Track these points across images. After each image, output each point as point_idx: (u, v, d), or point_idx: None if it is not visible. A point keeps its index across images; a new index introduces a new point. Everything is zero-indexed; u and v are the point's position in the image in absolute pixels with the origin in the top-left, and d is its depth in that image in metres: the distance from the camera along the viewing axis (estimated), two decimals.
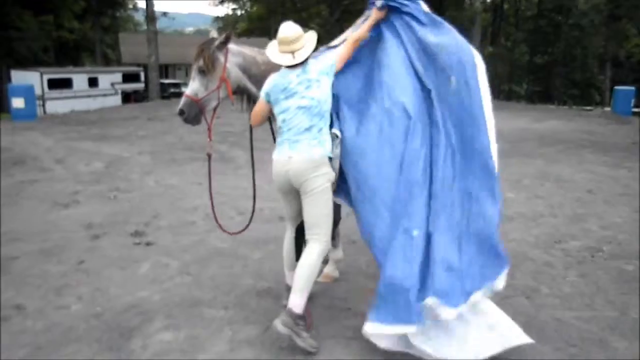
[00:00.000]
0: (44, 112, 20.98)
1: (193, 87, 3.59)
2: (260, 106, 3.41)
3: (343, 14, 28.70)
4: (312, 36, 3.32)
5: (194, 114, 3.61)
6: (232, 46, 3.69)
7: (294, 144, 3.24)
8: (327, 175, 3.28)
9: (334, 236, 4.17)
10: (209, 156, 3.84)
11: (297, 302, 3.20)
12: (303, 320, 3.21)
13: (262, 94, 3.37)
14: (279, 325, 3.15)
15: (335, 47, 3.60)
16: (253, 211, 4.06)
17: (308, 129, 3.23)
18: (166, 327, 3.49)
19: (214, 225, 5.52)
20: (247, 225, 4.07)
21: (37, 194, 6.79)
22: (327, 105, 3.30)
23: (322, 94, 3.26)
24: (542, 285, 4.19)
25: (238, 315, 3.64)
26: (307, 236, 3.36)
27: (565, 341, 3.35)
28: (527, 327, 3.48)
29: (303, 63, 3.27)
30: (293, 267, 3.66)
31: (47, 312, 3.70)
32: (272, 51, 3.33)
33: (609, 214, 6.13)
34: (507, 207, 6.37)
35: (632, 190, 7.22)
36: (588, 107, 24.68)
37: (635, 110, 19.39)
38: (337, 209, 4.05)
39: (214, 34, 3.72)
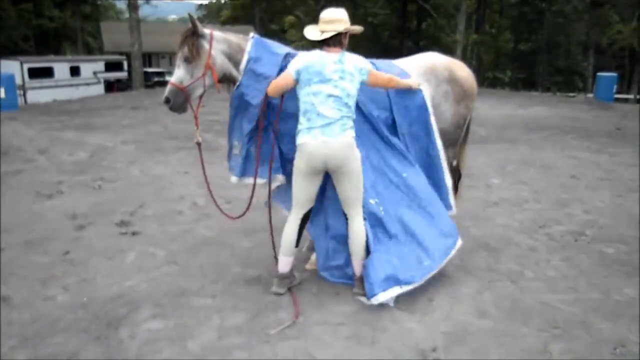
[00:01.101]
0: (25, 102, 20.58)
1: (178, 75, 3.58)
2: (285, 80, 3.44)
3: (328, 2, 28.51)
4: (347, 26, 3.40)
5: (179, 102, 3.60)
6: (216, 33, 3.69)
7: (326, 128, 3.37)
8: (359, 156, 3.52)
9: None
10: (199, 144, 3.84)
11: (361, 268, 3.65)
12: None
13: (291, 70, 3.40)
14: (362, 292, 3.63)
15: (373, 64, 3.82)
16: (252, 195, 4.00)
17: (338, 118, 3.39)
18: (154, 316, 3.49)
19: (201, 214, 5.55)
20: (247, 209, 4.06)
21: (21, 185, 6.70)
22: (354, 99, 3.45)
23: (352, 88, 3.41)
24: (526, 269, 4.26)
25: (226, 303, 3.64)
26: (348, 212, 3.62)
27: (549, 323, 3.41)
28: (512, 311, 3.56)
29: (340, 51, 3.40)
30: (291, 254, 3.70)
31: (33, 303, 3.67)
32: (308, 28, 3.54)
33: (591, 198, 6.23)
34: (492, 193, 6.45)
35: (614, 175, 7.34)
36: (571, 94, 24.96)
37: (618, 96, 19.64)
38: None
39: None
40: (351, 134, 3.46)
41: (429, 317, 3.47)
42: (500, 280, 4.04)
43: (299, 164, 3.49)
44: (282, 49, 3.81)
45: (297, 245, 3.76)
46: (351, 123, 3.48)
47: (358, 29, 3.55)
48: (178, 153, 8.66)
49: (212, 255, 4.49)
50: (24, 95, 21.52)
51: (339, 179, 3.51)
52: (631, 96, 25.70)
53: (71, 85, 24.23)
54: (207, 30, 3.65)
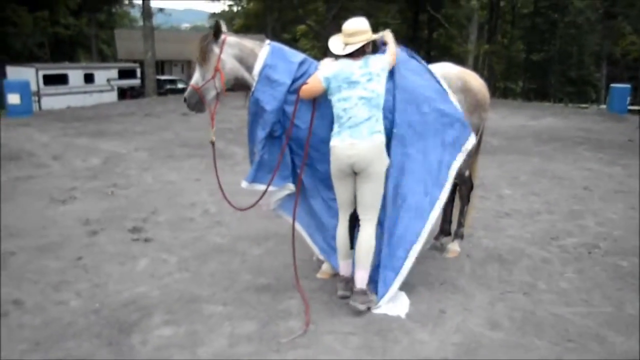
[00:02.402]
0: (39, 108, 20.84)
1: (195, 77, 3.84)
2: (315, 85, 3.57)
3: (340, 10, 28.64)
4: (369, 36, 3.56)
5: (194, 101, 3.83)
6: (229, 38, 3.82)
7: (355, 131, 3.46)
8: (386, 161, 3.59)
9: None
10: (213, 144, 3.95)
11: (364, 277, 3.60)
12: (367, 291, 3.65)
13: (320, 77, 3.53)
14: (358, 305, 3.54)
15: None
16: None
17: (368, 119, 3.47)
18: (165, 322, 3.50)
19: (213, 221, 5.57)
20: (257, 201, 4.00)
21: (34, 190, 6.77)
22: (382, 98, 3.55)
23: (381, 88, 3.52)
24: (539, 281, 4.22)
25: (237, 311, 3.65)
26: (361, 216, 3.64)
27: (562, 336, 3.37)
28: (524, 323, 3.53)
29: (364, 56, 3.51)
30: (348, 256, 3.76)
31: (45, 308, 3.70)
32: (332, 39, 3.65)
33: (604, 210, 6.16)
34: (504, 204, 6.41)
35: (627, 187, 7.27)
36: (584, 105, 24.79)
37: (631, 107, 19.49)
38: None
39: (222, 25, 3.84)
40: (379, 138, 3.51)
41: (441, 329, 3.44)
42: (513, 292, 4.01)
43: (331, 167, 3.60)
44: (297, 57, 3.88)
45: (352, 247, 3.77)
46: (380, 127, 3.53)
47: (378, 36, 3.71)
48: (190, 160, 8.71)
49: (224, 263, 4.50)
50: (39, 101, 21.78)
51: (361, 181, 3.55)
52: None
53: (85, 92, 24.48)
54: (221, 35, 3.79)
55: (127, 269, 4.37)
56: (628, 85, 18.90)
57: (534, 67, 37.90)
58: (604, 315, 3.67)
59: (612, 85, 19.04)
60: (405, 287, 3.91)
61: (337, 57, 3.61)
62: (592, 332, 3.44)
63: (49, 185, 7.00)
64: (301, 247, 4.76)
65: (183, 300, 3.81)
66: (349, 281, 3.80)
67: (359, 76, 3.46)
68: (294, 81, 3.71)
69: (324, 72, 3.55)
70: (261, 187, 3.89)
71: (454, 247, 4.72)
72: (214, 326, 3.45)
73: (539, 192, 6.95)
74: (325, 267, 4.21)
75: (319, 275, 4.17)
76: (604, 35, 31.09)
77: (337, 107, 3.51)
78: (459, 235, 4.77)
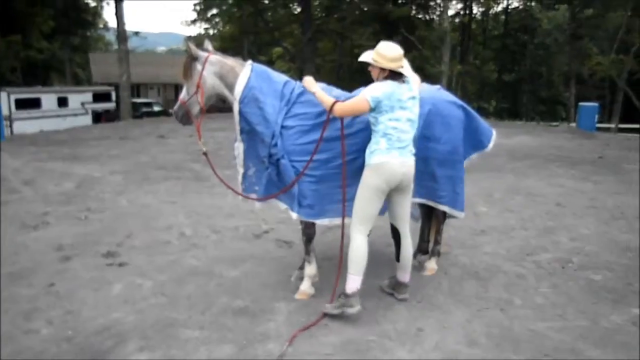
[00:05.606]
0: (11, 132, 20.49)
1: (183, 91, 4.09)
2: (360, 105, 3.58)
3: (315, 33, 29.01)
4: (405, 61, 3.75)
5: (181, 113, 4.11)
6: (212, 56, 4.00)
7: (403, 151, 3.66)
8: None
9: (309, 252, 4.18)
10: (205, 155, 4.25)
11: (409, 276, 4.09)
12: None
13: (368, 97, 3.54)
14: (407, 296, 4.08)
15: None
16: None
17: (411, 140, 3.72)
18: (141, 348, 3.42)
19: (189, 244, 5.52)
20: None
21: (5, 216, 6.61)
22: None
23: (418, 111, 3.78)
24: (515, 297, 4.26)
25: (214, 335, 3.59)
26: (402, 229, 3.95)
27: (539, 351, 3.40)
28: (501, 339, 3.55)
29: (406, 80, 3.68)
30: (363, 273, 3.83)
31: (16, 337, 3.58)
32: (382, 57, 3.60)
33: (577, 226, 6.28)
34: (480, 220, 6.49)
35: (599, 203, 7.43)
36: (554, 123, 25.38)
37: (600, 125, 20.04)
38: (312, 225, 4.09)
39: (208, 44, 4.12)
40: (414, 158, 3.77)
41: (419, 347, 3.44)
42: (490, 308, 4.04)
43: (377, 182, 3.64)
44: (280, 77, 4.09)
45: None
46: (413, 148, 3.79)
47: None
48: (166, 183, 8.63)
49: (200, 286, 4.44)
50: (11, 126, 21.42)
51: (401, 196, 3.82)
52: (612, 125, 26.20)
53: (59, 116, 24.16)
54: (204, 53, 3.99)
55: (101, 295, 4.28)
56: (596, 104, 19.47)
57: (506, 87, 38.79)
58: (579, 329, 3.71)
59: (580, 104, 19.59)
60: (383, 305, 3.92)
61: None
62: (567, 346, 3.48)
63: (20, 211, 6.85)
64: (279, 267, 4.74)
65: (159, 325, 3.74)
66: (357, 294, 3.78)
67: (407, 99, 3.62)
68: (286, 102, 3.91)
69: (371, 92, 3.56)
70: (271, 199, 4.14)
71: (431, 264, 4.74)
72: (191, 351, 3.39)
73: (514, 209, 7.06)
74: (302, 287, 4.19)
75: (297, 296, 4.14)
76: (572, 55, 31.99)
77: (387, 125, 3.58)
78: (435, 253, 4.80)
